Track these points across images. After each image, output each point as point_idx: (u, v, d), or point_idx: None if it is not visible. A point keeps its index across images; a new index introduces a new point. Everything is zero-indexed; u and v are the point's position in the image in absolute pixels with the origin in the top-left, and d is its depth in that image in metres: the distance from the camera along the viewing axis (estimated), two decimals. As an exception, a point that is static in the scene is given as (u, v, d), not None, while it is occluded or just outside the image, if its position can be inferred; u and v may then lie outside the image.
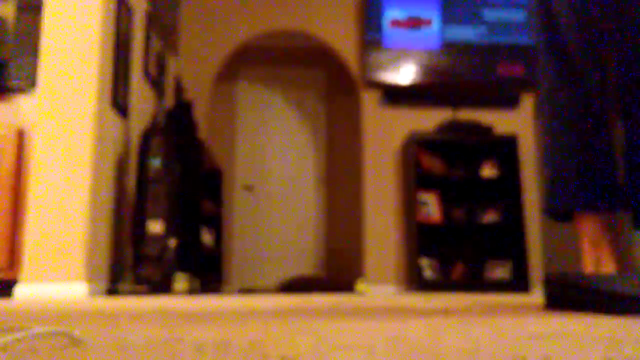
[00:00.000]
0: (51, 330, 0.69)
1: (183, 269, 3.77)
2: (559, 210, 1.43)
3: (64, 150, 3.00)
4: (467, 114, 5.11)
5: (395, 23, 5.05)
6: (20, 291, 2.85)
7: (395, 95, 5.09)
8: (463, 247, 4.89)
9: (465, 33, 5.07)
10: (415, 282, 4.56)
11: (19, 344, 0.66)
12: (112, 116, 3.35)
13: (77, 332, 0.81)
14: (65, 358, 0.56)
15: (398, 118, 5.08)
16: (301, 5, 5.25)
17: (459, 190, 4.96)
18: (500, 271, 4.71)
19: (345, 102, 6.31)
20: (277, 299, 2.39)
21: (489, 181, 4.83)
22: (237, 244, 5.97)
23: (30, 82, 3.15)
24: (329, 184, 6.14)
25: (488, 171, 4.84)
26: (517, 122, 5.14)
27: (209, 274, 4.80)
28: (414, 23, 5.06)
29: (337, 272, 5.95)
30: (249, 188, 6.08)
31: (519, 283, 4.55)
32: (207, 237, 4.57)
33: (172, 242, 3.39)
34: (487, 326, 0.93)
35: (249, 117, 6.21)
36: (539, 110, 1.45)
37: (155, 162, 3.42)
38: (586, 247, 1.44)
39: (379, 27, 5.02)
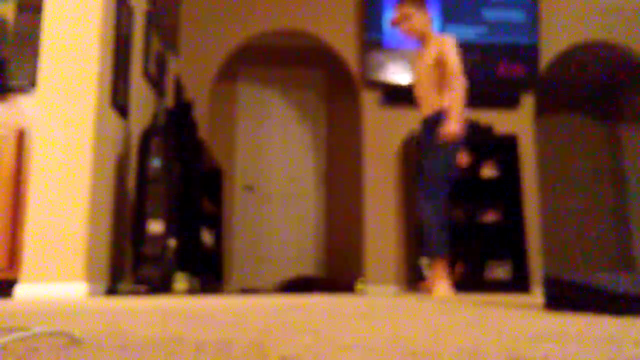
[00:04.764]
0: (51, 330, 0.69)
1: (183, 269, 3.77)
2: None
3: (64, 150, 3.00)
4: (467, 114, 5.10)
5: (395, 23, 5.04)
6: (20, 291, 2.85)
7: (395, 95, 5.09)
8: (463, 247, 4.89)
9: (465, 33, 5.07)
10: (415, 282, 4.56)
11: (19, 344, 0.66)
12: (112, 116, 3.35)
13: (77, 332, 0.81)
14: (65, 358, 0.56)
15: (398, 118, 5.08)
16: (301, 5, 5.25)
17: (459, 190, 4.96)
18: (500, 271, 4.71)
19: (345, 102, 6.31)
20: (277, 299, 2.39)
21: (489, 181, 4.83)
22: (237, 244, 5.97)
23: (30, 82, 3.15)
24: (329, 184, 6.14)
25: (488, 171, 4.84)
26: (517, 122, 5.14)
27: (209, 274, 4.80)
28: (414, 23, 5.05)
29: (337, 272, 5.95)
30: (249, 188, 6.08)
31: (519, 283, 4.55)
32: (207, 237, 4.57)
33: (172, 242, 3.39)
34: (487, 326, 0.93)
35: (249, 117, 6.21)
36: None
37: (155, 162, 3.42)
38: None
39: (379, 27, 5.02)
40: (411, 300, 2.30)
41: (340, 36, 5.23)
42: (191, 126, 4.28)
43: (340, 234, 6.04)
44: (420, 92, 3.39)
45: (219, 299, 2.42)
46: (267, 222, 6.03)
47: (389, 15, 5.05)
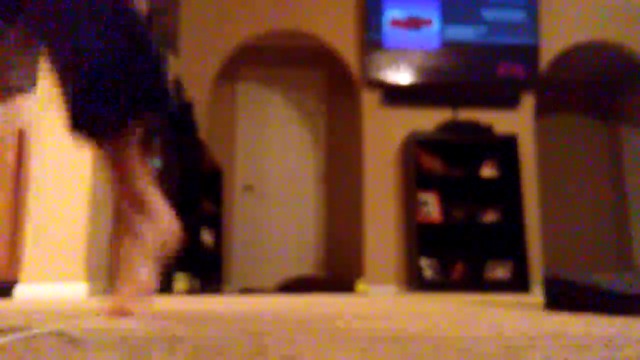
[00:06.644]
0: (51, 330, 0.69)
1: (183, 269, 3.77)
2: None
3: (64, 150, 3.00)
4: (467, 114, 5.10)
5: (395, 23, 5.05)
6: (20, 291, 2.85)
7: (395, 95, 5.09)
8: (463, 247, 4.89)
9: (465, 33, 5.07)
10: (415, 282, 4.56)
11: (19, 344, 0.66)
12: (112, 116, 3.35)
13: (77, 332, 0.81)
14: (65, 358, 0.56)
15: (398, 118, 5.08)
16: (301, 5, 5.25)
17: (459, 190, 4.96)
18: (500, 271, 4.71)
19: (345, 102, 6.31)
20: (277, 299, 2.39)
21: (489, 181, 4.83)
22: (237, 244, 5.97)
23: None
24: (329, 184, 6.14)
25: (488, 171, 4.84)
26: (517, 122, 5.14)
27: (209, 274, 4.80)
28: (414, 23, 5.06)
29: (337, 272, 5.95)
30: (249, 188, 6.08)
31: (519, 283, 4.55)
32: (207, 237, 4.57)
33: (172, 242, 3.39)
34: (487, 326, 0.93)
35: (249, 117, 6.21)
36: None
37: (155, 162, 3.42)
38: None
39: (379, 27, 5.02)
40: (411, 300, 2.30)
41: (340, 36, 5.23)
42: (191, 126, 4.28)
43: (340, 234, 6.04)
44: None
45: (219, 299, 2.42)
46: (267, 222, 6.03)
47: (389, 15, 5.05)
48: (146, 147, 1.43)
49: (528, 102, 5.19)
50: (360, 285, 4.88)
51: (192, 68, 5.15)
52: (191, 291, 3.83)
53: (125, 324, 0.98)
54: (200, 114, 5.06)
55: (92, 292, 2.95)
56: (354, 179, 6.15)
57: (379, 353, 0.59)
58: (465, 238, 4.91)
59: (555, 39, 5.30)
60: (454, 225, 4.83)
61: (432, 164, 4.85)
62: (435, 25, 5.06)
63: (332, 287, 5.75)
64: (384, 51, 5.00)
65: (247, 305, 1.73)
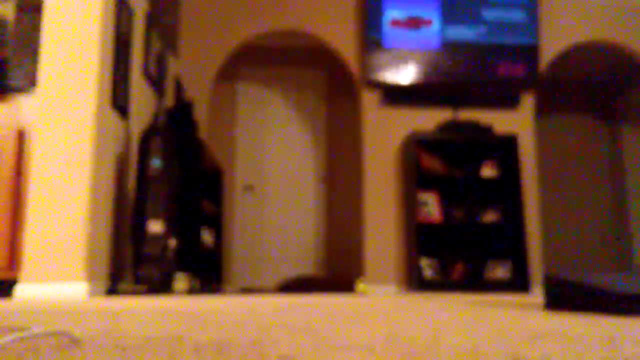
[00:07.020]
0: (51, 330, 0.69)
1: (183, 269, 3.77)
2: None
3: (64, 150, 3.00)
4: (467, 114, 5.10)
5: (395, 23, 5.05)
6: (20, 291, 2.85)
7: (395, 95, 5.09)
8: (463, 247, 4.89)
9: (465, 33, 5.07)
10: (415, 282, 4.56)
11: (19, 344, 0.66)
12: (112, 116, 3.35)
13: (77, 332, 0.81)
14: (65, 358, 0.56)
15: (398, 118, 5.08)
16: (301, 5, 5.25)
17: (459, 190, 4.96)
18: (500, 271, 4.71)
19: (345, 102, 6.31)
20: (277, 299, 2.39)
21: (489, 181, 4.83)
22: (237, 244, 5.97)
23: (30, 82, 3.15)
24: (329, 184, 6.14)
25: (488, 171, 4.84)
26: (517, 122, 5.14)
27: (209, 274, 4.80)
28: (414, 23, 5.05)
29: (337, 272, 5.95)
30: (249, 188, 6.08)
31: (519, 283, 4.55)
32: (207, 237, 4.57)
33: (172, 242, 3.39)
34: (487, 326, 0.93)
35: (249, 117, 6.21)
36: None
37: (155, 162, 3.42)
38: None
39: (379, 27, 5.02)
40: (411, 300, 2.30)
41: (340, 36, 5.23)
42: (191, 126, 4.28)
43: (340, 233, 6.04)
44: None
45: (219, 299, 2.42)
46: (267, 222, 6.03)
47: (389, 15, 5.05)
48: None
49: (528, 102, 5.19)
50: (360, 285, 4.88)
51: (192, 68, 5.15)
52: (191, 291, 3.83)
53: (125, 324, 0.98)
54: (200, 114, 5.06)
55: (92, 292, 2.95)
56: (354, 179, 6.15)
57: (379, 353, 0.59)
58: (465, 238, 4.91)
59: (555, 39, 5.30)
60: (454, 225, 4.83)
61: (432, 164, 4.85)
62: (435, 25, 5.06)
63: (332, 287, 5.75)
64: (384, 51, 5.00)
65: (247, 305, 1.73)
